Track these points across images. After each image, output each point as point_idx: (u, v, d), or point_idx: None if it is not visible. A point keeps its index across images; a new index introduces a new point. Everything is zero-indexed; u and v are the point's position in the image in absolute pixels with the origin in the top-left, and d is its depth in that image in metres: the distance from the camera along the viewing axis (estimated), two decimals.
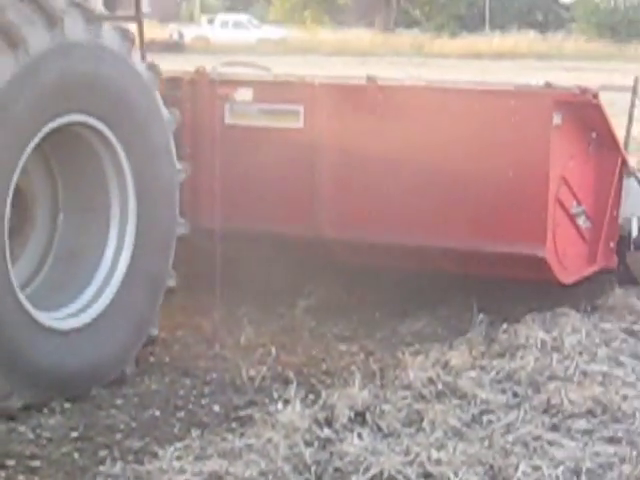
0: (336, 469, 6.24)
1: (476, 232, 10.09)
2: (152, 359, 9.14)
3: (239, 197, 10.04)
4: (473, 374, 8.08)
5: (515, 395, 7.80)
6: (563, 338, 8.62)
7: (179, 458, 6.38)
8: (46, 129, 8.02)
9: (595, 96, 10.44)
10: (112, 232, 8.84)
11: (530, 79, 17.09)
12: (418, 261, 10.54)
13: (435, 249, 10.18)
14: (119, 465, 6.36)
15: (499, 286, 10.85)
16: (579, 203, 10.35)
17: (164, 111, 9.25)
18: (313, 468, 6.29)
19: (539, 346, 8.50)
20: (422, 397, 7.67)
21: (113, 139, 8.62)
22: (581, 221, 10.45)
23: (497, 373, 8.24)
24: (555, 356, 8.37)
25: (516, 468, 6.22)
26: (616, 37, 65.67)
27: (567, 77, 16.24)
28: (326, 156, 10.57)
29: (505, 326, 9.42)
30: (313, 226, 10.42)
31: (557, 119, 10.13)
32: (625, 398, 7.55)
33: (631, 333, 8.91)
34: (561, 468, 6.30)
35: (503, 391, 7.93)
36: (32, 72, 8.08)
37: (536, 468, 6.28)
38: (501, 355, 8.61)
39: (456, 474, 6.18)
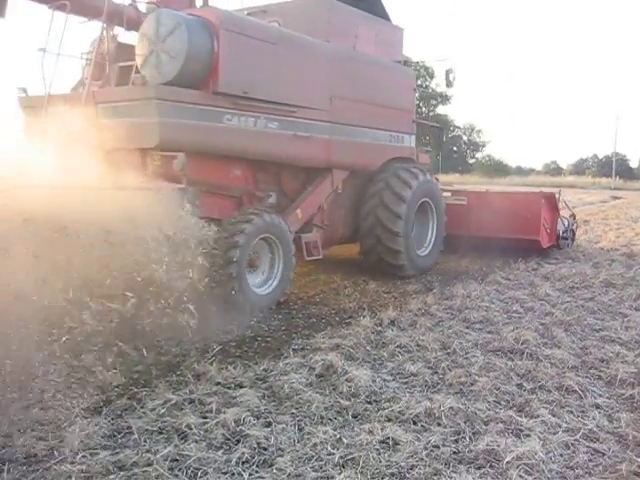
0: (383, 342, 6.55)
1: (515, 230, 12.06)
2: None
3: (455, 222, 11.77)
4: (435, 306, 8.36)
5: (452, 315, 7.94)
6: (470, 292, 9.08)
7: (323, 337, 6.63)
8: (418, 203, 10.50)
9: (554, 194, 13.23)
10: (429, 230, 11.12)
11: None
12: (496, 244, 12.17)
13: (501, 238, 12.05)
14: (300, 340, 6.62)
15: (445, 271, 11.07)
16: (546, 224, 12.76)
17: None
18: (374, 342, 6.60)
19: (461, 295, 8.53)
20: (415, 315, 7.87)
21: (432, 204, 11.07)
22: (547, 228, 12.85)
23: (445, 307, 8.33)
24: (467, 300, 8.74)
25: (452, 343, 6.47)
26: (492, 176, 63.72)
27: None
28: (473, 209, 12.38)
29: (448, 287, 9.56)
30: (469, 230, 12.21)
31: (543, 201, 12.65)
32: (495, 316, 7.77)
33: (498, 291, 9.00)
34: (470, 343, 6.61)
35: (447, 313, 8.06)
36: (416, 189, 10.25)
37: (460, 344, 6.54)
38: (446, 299, 8.89)
39: (429, 344, 6.38)
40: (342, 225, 10.31)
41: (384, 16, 10.95)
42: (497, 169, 77.88)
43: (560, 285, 9.84)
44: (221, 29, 7.60)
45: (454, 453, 4.12)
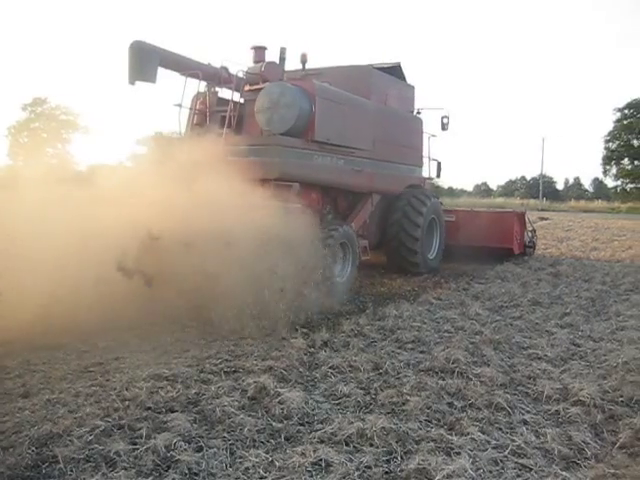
0: (316, 364, 6.55)
1: (493, 240, 15.04)
2: None
3: (446, 234, 14.67)
4: (368, 327, 8.32)
5: (384, 335, 7.97)
6: (402, 312, 9.22)
7: (255, 359, 6.57)
8: (429, 218, 13.61)
9: (524, 212, 16.82)
10: (435, 239, 14.18)
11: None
12: (480, 253, 14.94)
13: (485, 246, 14.92)
14: (232, 362, 6.52)
15: (381, 294, 11.01)
16: (517, 236, 15.76)
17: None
18: (307, 363, 6.56)
19: (393, 316, 8.68)
20: (348, 336, 7.76)
21: (437, 219, 14.27)
22: (518, 239, 15.86)
23: (377, 327, 8.35)
24: (399, 320, 8.78)
25: (384, 364, 6.49)
26: None
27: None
28: (460, 224, 15.29)
29: (380, 308, 9.48)
30: (457, 241, 14.83)
31: (515, 218, 15.77)
32: (427, 336, 7.84)
33: (429, 310, 9.14)
34: (402, 363, 6.61)
35: (379, 333, 8.08)
36: (430, 206, 13.44)
37: (392, 364, 6.54)
38: (379, 320, 8.80)
39: (361, 364, 6.42)
40: (374, 235, 13.23)
41: (402, 78, 14.27)
42: None
43: (489, 304, 10.07)
44: (317, 96, 10.56)
45: (386, 473, 4.16)
